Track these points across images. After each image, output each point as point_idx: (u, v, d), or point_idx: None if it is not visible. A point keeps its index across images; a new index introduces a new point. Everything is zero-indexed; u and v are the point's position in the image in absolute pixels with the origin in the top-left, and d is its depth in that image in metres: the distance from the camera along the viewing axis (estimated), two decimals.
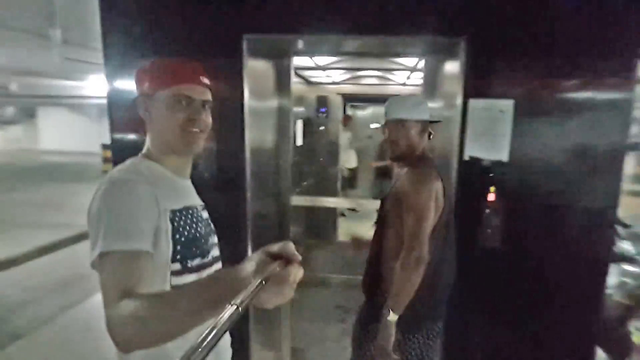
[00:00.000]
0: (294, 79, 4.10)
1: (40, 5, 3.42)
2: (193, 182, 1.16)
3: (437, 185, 1.54)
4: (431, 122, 1.68)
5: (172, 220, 0.97)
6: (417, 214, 1.49)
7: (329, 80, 4.71)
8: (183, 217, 1.01)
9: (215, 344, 0.51)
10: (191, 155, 1.11)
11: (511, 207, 1.84)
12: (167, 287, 0.95)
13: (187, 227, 1.01)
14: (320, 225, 4.89)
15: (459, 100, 1.82)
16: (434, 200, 1.51)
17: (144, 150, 1.08)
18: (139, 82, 1.06)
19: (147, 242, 0.89)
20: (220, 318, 0.54)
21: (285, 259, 0.72)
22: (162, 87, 1.02)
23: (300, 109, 4.39)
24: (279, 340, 2.59)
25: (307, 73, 4.31)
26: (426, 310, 1.58)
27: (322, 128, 5.10)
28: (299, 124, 4.27)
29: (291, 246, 0.74)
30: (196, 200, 1.13)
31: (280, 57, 2.35)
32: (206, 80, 1.07)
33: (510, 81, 1.78)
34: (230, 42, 1.87)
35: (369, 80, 4.65)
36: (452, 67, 1.96)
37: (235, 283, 0.70)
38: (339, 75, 4.56)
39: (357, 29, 1.86)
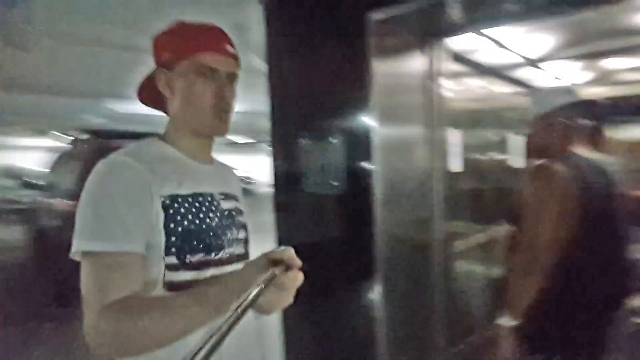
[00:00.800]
0: (510, 90, 3.33)
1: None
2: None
3: (567, 185, 1.35)
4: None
5: (168, 207, 0.81)
6: (534, 214, 1.37)
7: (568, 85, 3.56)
8: (186, 205, 0.84)
9: (215, 350, 0.51)
10: (212, 138, 0.96)
11: None
12: (160, 283, 0.81)
13: (189, 216, 0.84)
14: None
15: None
16: (560, 203, 1.33)
17: (163, 131, 0.95)
18: (157, 52, 0.92)
19: (136, 241, 0.76)
20: (220, 323, 0.54)
21: (285, 265, 0.73)
22: (182, 58, 0.87)
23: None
24: None
25: (525, 75, 3.42)
26: (545, 329, 1.38)
27: None
28: None
29: (291, 252, 0.75)
30: (215, 188, 0.93)
31: (423, 41, 1.84)
32: (232, 49, 0.89)
33: None
34: (351, 23, 1.55)
35: (623, 76, 3.18)
36: None
37: (235, 289, 0.71)
38: (577, 72, 3.39)
39: None
